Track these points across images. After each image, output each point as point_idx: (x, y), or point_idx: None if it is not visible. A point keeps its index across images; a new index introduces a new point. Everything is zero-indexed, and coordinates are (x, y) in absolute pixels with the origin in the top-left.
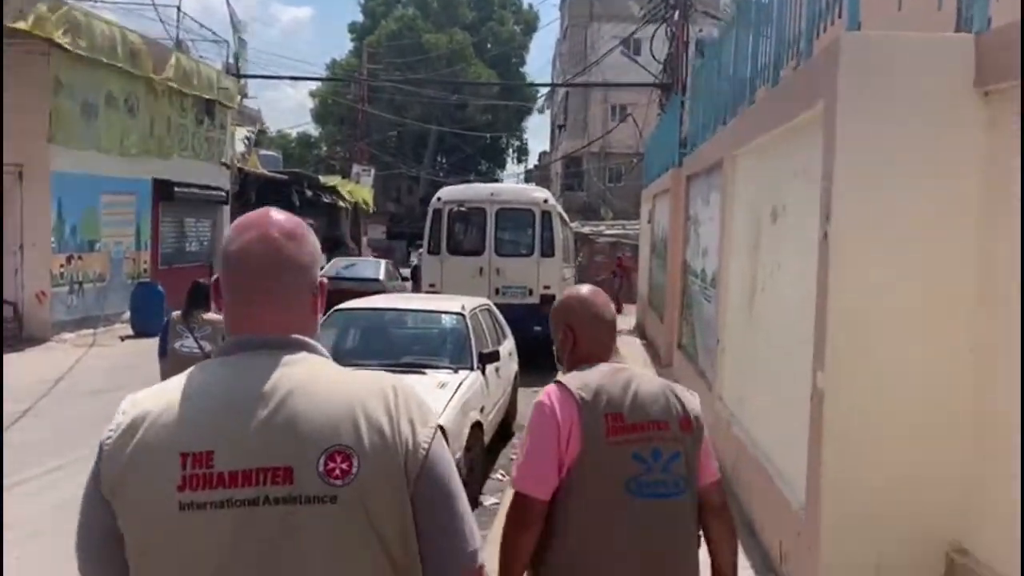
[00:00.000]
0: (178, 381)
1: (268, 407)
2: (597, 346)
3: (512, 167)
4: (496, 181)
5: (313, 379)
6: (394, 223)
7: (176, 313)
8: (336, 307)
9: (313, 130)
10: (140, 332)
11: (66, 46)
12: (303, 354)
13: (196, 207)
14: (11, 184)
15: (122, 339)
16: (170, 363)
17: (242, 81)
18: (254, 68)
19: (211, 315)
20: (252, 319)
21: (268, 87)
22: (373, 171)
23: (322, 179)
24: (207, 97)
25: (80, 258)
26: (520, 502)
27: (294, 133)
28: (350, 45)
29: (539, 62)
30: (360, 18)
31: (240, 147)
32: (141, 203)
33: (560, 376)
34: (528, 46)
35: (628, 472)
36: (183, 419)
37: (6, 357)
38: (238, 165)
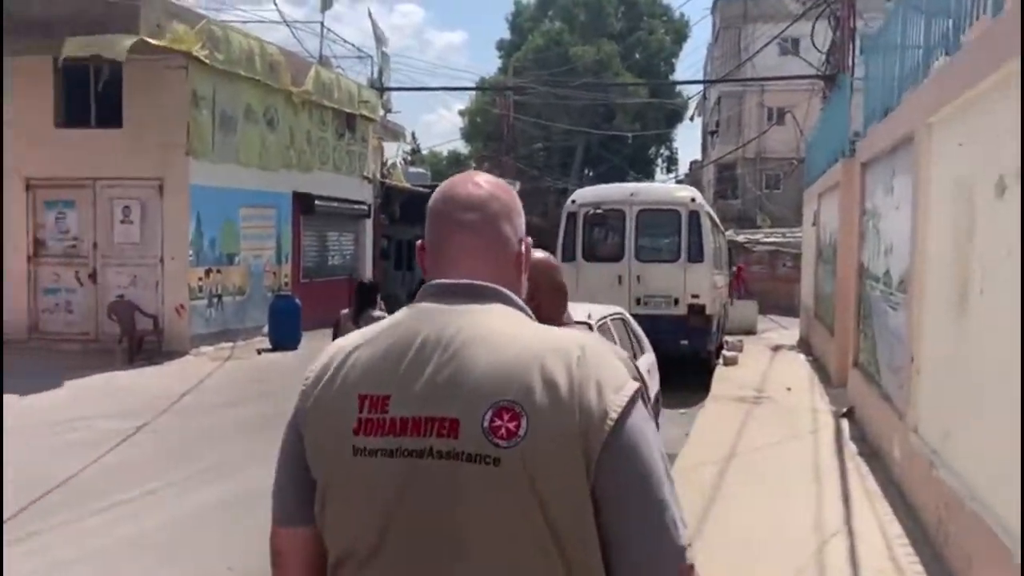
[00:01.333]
0: (377, 326)
1: (446, 354)
2: (557, 314)
3: (661, 177)
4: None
5: (497, 330)
6: (541, 236)
7: (345, 311)
8: None
9: (463, 148)
10: (277, 345)
11: (203, 59)
12: (496, 305)
13: (338, 220)
14: (151, 197)
15: (259, 352)
16: None
17: (385, 95)
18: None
19: (378, 312)
20: (452, 265)
21: (424, 110)
22: (519, 184)
23: None
24: (348, 111)
25: (219, 271)
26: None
27: (445, 152)
28: (499, 63)
29: (689, 72)
30: (508, 35)
31: (392, 160)
32: (281, 216)
33: None
34: (678, 54)
35: None
36: (368, 362)
37: (144, 371)
38: (381, 179)
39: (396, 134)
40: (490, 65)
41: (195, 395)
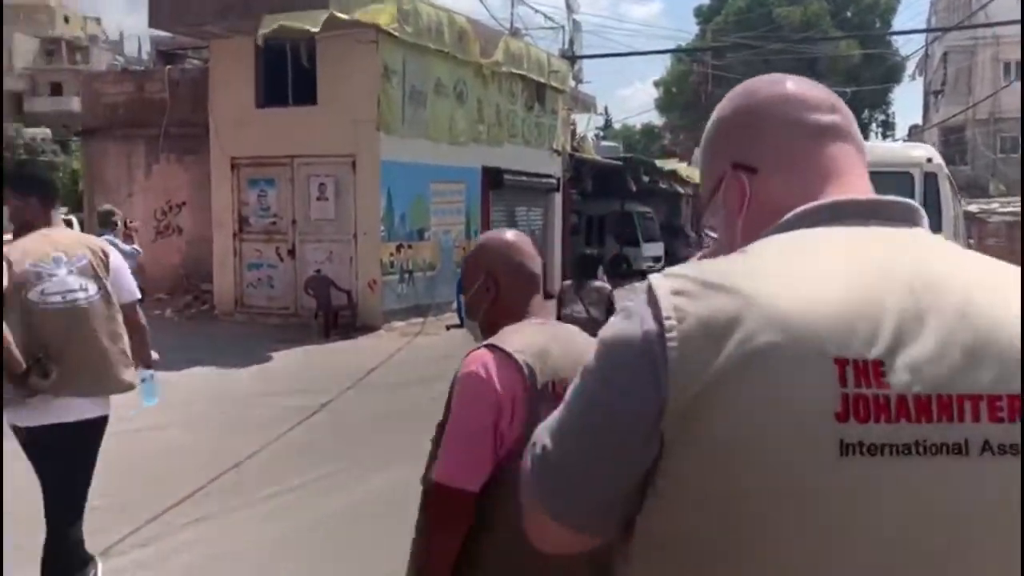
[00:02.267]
0: (751, 260)
1: (952, 302)
2: (525, 305)
3: (877, 143)
4: None
5: (986, 268)
6: None
7: (567, 282)
8: None
9: (657, 120)
10: (463, 320)
11: (393, 32)
12: (922, 230)
13: (526, 195)
14: (345, 174)
15: (448, 328)
16: None
17: (576, 65)
18: (602, 68)
19: (599, 283)
20: (833, 181)
21: (619, 84)
22: None
23: (659, 163)
24: (538, 81)
25: (410, 247)
26: (445, 496)
27: (638, 125)
28: (695, 30)
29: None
30: (707, 0)
31: (582, 133)
32: (470, 191)
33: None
34: (896, 8)
35: None
36: (825, 309)
37: (338, 345)
38: (571, 152)
39: (587, 105)
40: (687, 34)
41: (383, 372)
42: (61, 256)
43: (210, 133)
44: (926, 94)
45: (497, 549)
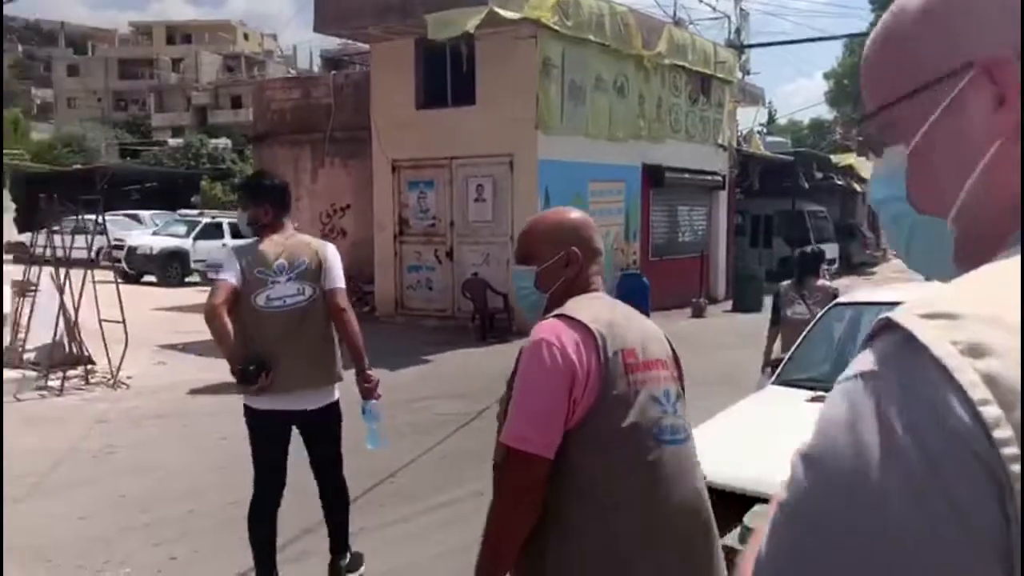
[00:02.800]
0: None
1: None
2: (597, 279)
3: None
4: None
5: None
6: None
7: (786, 283)
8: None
9: (827, 114)
10: None
11: (553, 26)
12: None
13: (689, 193)
14: (502, 174)
15: None
16: (783, 329)
17: (743, 56)
18: (765, 60)
19: (822, 282)
20: None
21: (782, 80)
22: None
23: (834, 159)
24: (703, 72)
25: None
26: (522, 463)
27: (806, 120)
28: (871, 17)
29: None
30: None
31: (748, 127)
32: (630, 190)
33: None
34: None
35: (653, 415)
36: None
37: (494, 349)
38: (737, 147)
39: (755, 97)
40: (862, 21)
41: None
42: (284, 263)
43: (372, 136)
44: None
45: (582, 511)
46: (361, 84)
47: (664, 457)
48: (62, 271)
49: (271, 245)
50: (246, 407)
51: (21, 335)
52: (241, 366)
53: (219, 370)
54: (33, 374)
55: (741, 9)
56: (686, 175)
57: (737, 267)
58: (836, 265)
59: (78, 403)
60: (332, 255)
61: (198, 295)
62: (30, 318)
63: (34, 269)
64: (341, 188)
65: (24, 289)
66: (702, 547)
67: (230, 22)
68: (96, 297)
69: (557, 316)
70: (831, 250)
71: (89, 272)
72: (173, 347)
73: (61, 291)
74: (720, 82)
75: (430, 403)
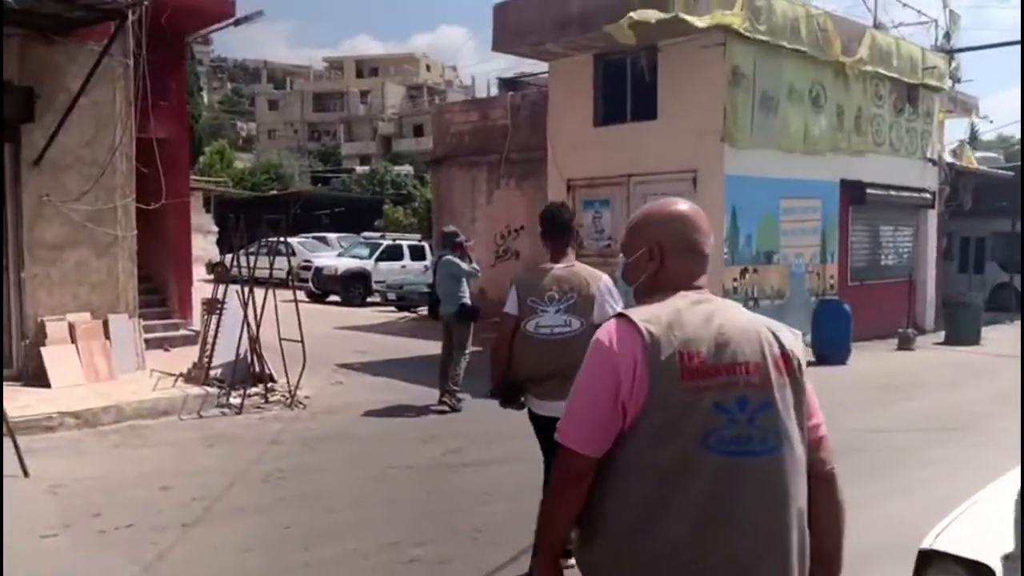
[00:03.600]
0: None
1: None
2: (686, 277)
3: None
4: None
5: None
6: None
7: None
8: None
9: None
10: (821, 358)
11: (745, 32)
12: None
13: (893, 212)
14: (684, 191)
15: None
16: None
17: (954, 62)
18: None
19: None
20: None
21: (995, 87)
22: None
23: None
24: (908, 81)
25: (755, 271)
26: (568, 456)
27: (1017, 135)
28: None
29: None
30: None
31: (958, 139)
32: (827, 208)
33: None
34: None
35: (708, 424)
36: None
37: None
38: (949, 161)
39: (967, 107)
40: None
41: None
42: (555, 295)
43: (548, 155)
44: None
45: (620, 514)
46: (538, 104)
47: (721, 469)
48: (246, 290)
49: (547, 276)
50: (528, 410)
51: (208, 352)
52: (501, 387)
53: (394, 391)
54: (216, 391)
55: (951, 11)
56: (890, 192)
57: (949, 295)
58: None
59: (256, 422)
60: (603, 289)
61: (379, 315)
62: (216, 336)
63: (223, 288)
64: (516, 209)
65: (212, 307)
66: (770, 574)
67: (413, 55)
68: (277, 315)
69: (618, 315)
70: None
71: (273, 291)
72: (351, 367)
73: (245, 309)
74: (929, 90)
75: None
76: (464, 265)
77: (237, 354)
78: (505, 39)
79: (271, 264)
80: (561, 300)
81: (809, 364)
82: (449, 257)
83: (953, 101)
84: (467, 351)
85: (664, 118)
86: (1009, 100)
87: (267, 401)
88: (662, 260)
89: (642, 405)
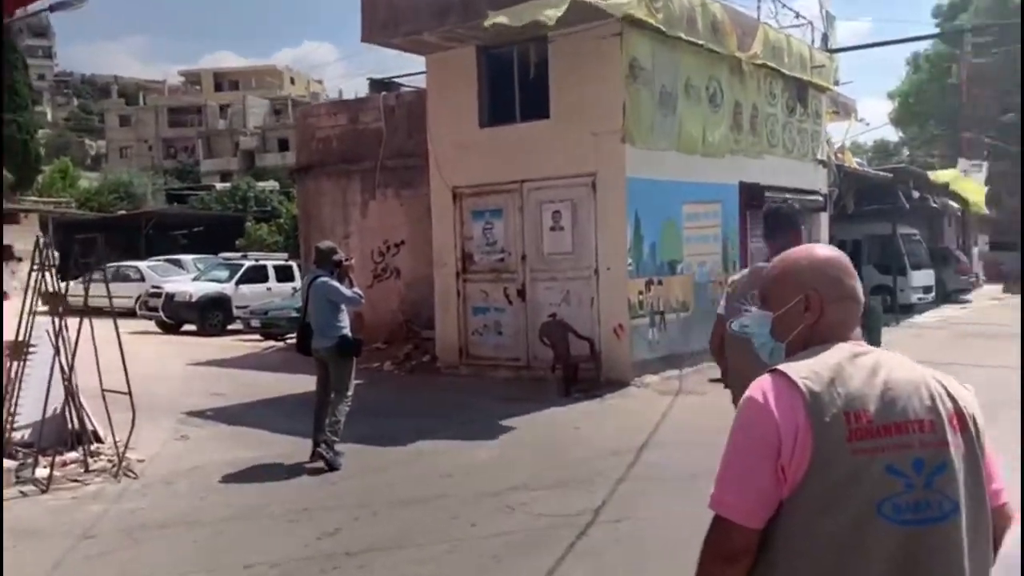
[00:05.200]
0: None
1: None
2: (842, 328)
3: None
4: None
5: None
6: (998, 232)
7: None
8: None
9: (892, 135)
10: None
11: (643, 18)
12: None
13: None
14: (583, 197)
15: (726, 385)
16: None
17: (833, 63)
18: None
19: None
20: None
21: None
22: (986, 166)
23: (932, 175)
24: (800, 78)
25: (660, 283)
26: (722, 529)
27: (869, 142)
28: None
29: None
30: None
31: (840, 141)
32: (727, 213)
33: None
34: None
35: (881, 491)
36: None
37: (583, 408)
38: (836, 162)
39: (848, 109)
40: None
41: (659, 451)
42: (756, 293)
43: (429, 161)
44: None
45: None
46: (415, 104)
47: (897, 540)
48: (70, 322)
49: (755, 277)
50: None
51: (10, 408)
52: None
53: (258, 445)
54: (15, 463)
55: (828, 13)
56: (786, 195)
57: None
58: (933, 294)
59: (67, 504)
60: None
61: (241, 345)
62: (18, 387)
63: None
64: (395, 222)
65: (18, 351)
66: None
67: (276, 67)
68: (97, 356)
69: (772, 370)
70: (927, 277)
71: (115, 323)
72: (203, 415)
73: (58, 350)
74: (816, 90)
75: (526, 498)
76: (344, 289)
77: (44, 408)
78: (375, 29)
79: (108, 292)
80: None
81: (721, 381)
82: (324, 279)
83: (835, 103)
84: (349, 393)
85: (558, 117)
86: (876, 105)
87: (87, 470)
88: (822, 310)
89: (806, 471)
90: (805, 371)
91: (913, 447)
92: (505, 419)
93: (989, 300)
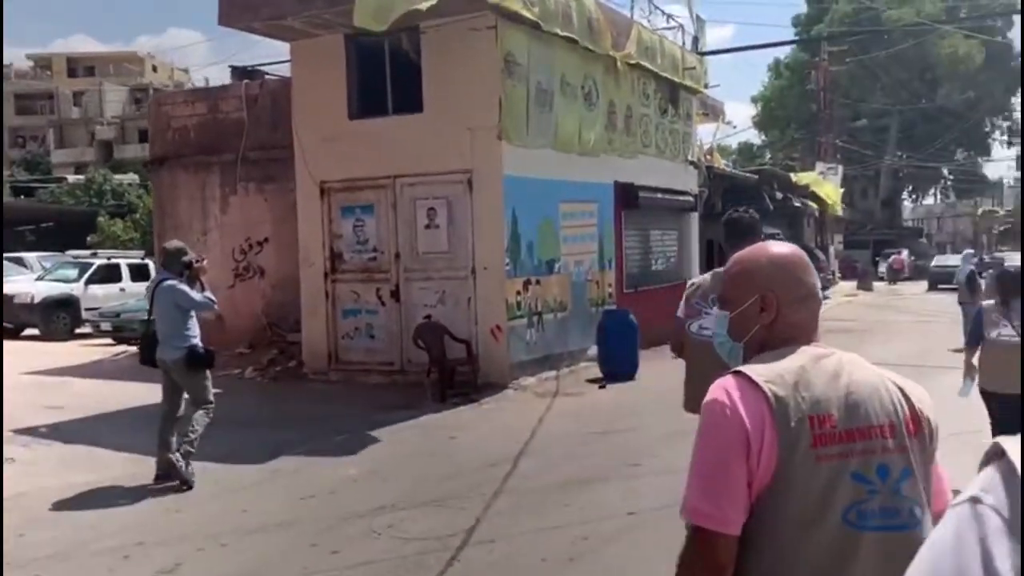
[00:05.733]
0: None
1: None
2: (802, 329)
3: (1002, 152)
4: (975, 171)
5: None
6: (849, 231)
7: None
8: None
9: (756, 139)
10: (611, 375)
11: (518, 11)
12: None
13: (660, 216)
14: (459, 195)
15: (601, 386)
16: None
17: (703, 66)
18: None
19: None
20: None
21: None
22: (841, 169)
23: (794, 177)
24: (672, 79)
25: (538, 283)
26: (706, 542)
27: (734, 145)
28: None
29: None
30: (804, 8)
31: (709, 143)
32: (603, 212)
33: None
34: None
35: (846, 497)
36: None
37: (460, 413)
38: (706, 163)
39: (716, 111)
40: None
41: (535, 460)
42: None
43: (295, 154)
44: None
45: None
46: (279, 94)
47: (864, 547)
48: None
49: (715, 280)
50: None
51: None
52: None
53: (96, 467)
54: None
55: (698, 16)
56: (659, 195)
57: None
58: None
59: None
60: None
61: (88, 351)
62: None
63: None
64: (258, 218)
65: None
66: None
67: (136, 54)
68: None
69: (734, 372)
70: None
71: None
72: (35, 432)
73: None
74: (688, 92)
75: (395, 520)
76: (194, 294)
77: None
78: (233, 12)
79: None
80: None
81: (598, 381)
82: (172, 282)
83: (704, 105)
84: (210, 402)
85: (432, 111)
86: (741, 108)
87: None
88: (778, 310)
89: (771, 477)
90: (768, 374)
91: (876, 452)
92: (375, 430)
93: (844, 296)
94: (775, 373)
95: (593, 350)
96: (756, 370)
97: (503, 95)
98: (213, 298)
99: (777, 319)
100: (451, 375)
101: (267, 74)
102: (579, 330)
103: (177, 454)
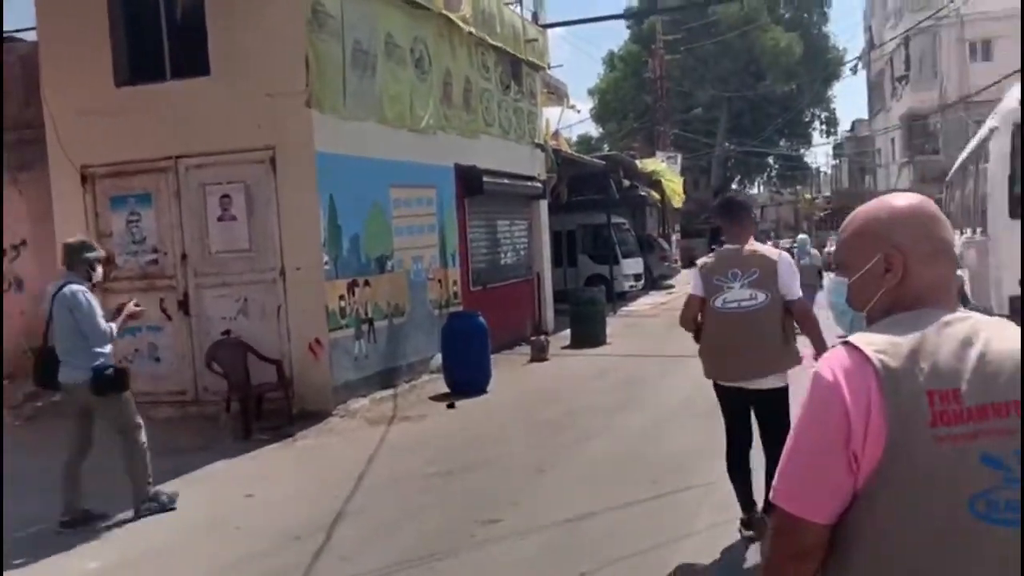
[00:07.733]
0: None
1: None
2: (934, 290)
3: (820, 140)
4: (798, 158)
5: None
6: (685, 220)
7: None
8: None
9: (594, 131)
10: (459, 389)
11: None
12: None
13: (508, 203)
14: (260, 177)
15: (449, 405)
16: None
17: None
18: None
19: None
20: None
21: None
22: (680, 157)
23: (640, 164)
24: (512, 53)
25: (367, 284)
26: (789, 526)
27: (574, 137)
28: (626, 34)
29: (846, 24)
30: (635, 1)
31: (555, 126)
32: (443, 200)
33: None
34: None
35: (973, 484)
36: None
37: (268, 454)
38: (553, 147)
39: (560, 93)
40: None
41: (357, 526)
42: (737, 272)
43: (47, 134)
44: (871, 87)
45: None
46: (32, 60)
47: (989, 543)
48: None
49: (726, 257)
50: (714, 383)
51: None
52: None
53: None
54: None
55: None
56: (505, 180)
57: (572, 293)
58: (642, 281)
59: None
60: (784, 267)
61: None
62: None
63: None
64: (12, 216)
65: None
66: None
67: None
68: None
69: (845, 343)
70: (636, 264)
71: None
72: None
73: None
74: (531, 68)
75: None
76: (100, 320)
77: None
78: None
79: None
80: (745, 275)
81: (444, 398)
82: (74, 288)
83: (548, 85)
84: (139, 423)
85: (221, 74)
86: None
87: None
88: (905, 269)
89: (880, 460)
90: (880, 343)
91: (1014, 432)
92: (160, 482)
93: (687, 284)
94: (889, 342)
95: (437, 360)
96: (868, 339)
97: (311, 53)
98: (115, 327)
99: (904, 280)
100: (258, 404)
101: (18, 39)
102: (420, 337)
103: (145, 501)
